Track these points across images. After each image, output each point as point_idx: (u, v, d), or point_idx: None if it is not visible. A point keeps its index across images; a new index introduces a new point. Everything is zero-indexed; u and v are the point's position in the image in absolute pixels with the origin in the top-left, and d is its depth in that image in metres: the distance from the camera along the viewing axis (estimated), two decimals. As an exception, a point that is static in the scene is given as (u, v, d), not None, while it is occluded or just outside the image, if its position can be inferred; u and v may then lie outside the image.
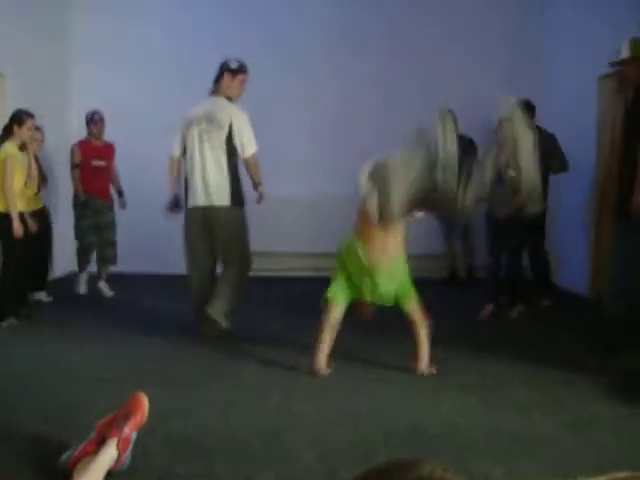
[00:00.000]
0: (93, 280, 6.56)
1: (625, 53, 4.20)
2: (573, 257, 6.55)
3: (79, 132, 6.51)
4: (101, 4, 7.62)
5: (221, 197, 4.61)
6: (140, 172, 6.82)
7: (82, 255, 6.57)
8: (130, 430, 2.54)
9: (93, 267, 6.64)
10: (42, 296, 6.05)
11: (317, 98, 7.44)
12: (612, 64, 4.46)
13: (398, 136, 7.25)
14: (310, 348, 3.93)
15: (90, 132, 6.43)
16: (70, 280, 7.24)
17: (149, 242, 7.28)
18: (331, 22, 7.52)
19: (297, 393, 3.56)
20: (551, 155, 5.69)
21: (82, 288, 6.57)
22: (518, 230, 5.45)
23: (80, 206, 6.41)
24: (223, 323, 4.69)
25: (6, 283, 5.21)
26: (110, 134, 6.48)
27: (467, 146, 6.68)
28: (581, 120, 6.33)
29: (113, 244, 6.54)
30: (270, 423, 3.11)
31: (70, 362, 4.15)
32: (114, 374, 3.85)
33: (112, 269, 6.66)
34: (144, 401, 2.65)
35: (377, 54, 7.49)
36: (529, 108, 5.82)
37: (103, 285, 6.53)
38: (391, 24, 7.51)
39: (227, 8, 7.60)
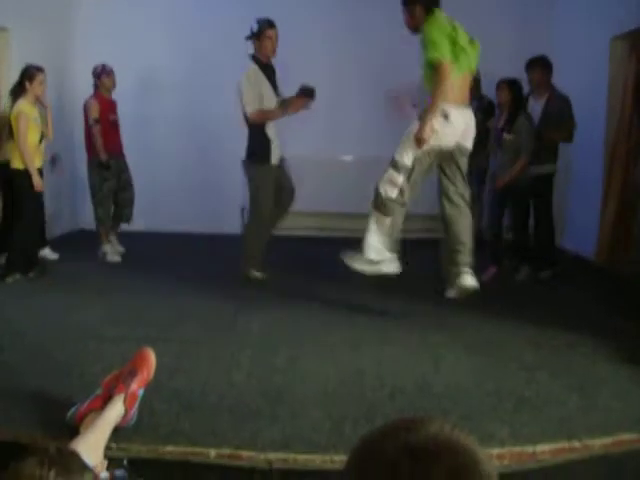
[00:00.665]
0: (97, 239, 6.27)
1: None
2: (580, 221, 6.49)
3: (84, 89, 6.34)
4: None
5: (247, 153, 5.04)
6: (141, 131, 6.79)
7: (105, 223, 6.09)
8: (137, 386, 2.54)
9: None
10: (47, 253, 5.98)
11: (320, 63, 7.26)
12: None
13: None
14: (314, 307, 3.91)
15: (102, 85, 5.94)
16: (75, 237, 7.25)
17: (158, 200, 7.29)
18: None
19: (302, 352, 3.57)
20: (563, 118, 5.52)
21: (114, 257, 6.07)
22: (516, 195, 5.44)
23: (103, 167, 5.91)
24: (252, 275, 5.13)
25: (16, 239, 5.20)
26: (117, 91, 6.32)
27: (487, 107, 6.64)
28: (592, 82, 6.19)
29: (131, 203, 6.23)
30: (275, 382, 3.12)
31: (74, 320, 4.13)
32: (118, 332, 3.85)
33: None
34: (151, 357, 2.64)
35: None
36: (546, 66, 5.64)
37: (112, 247, 6.14)
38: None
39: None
